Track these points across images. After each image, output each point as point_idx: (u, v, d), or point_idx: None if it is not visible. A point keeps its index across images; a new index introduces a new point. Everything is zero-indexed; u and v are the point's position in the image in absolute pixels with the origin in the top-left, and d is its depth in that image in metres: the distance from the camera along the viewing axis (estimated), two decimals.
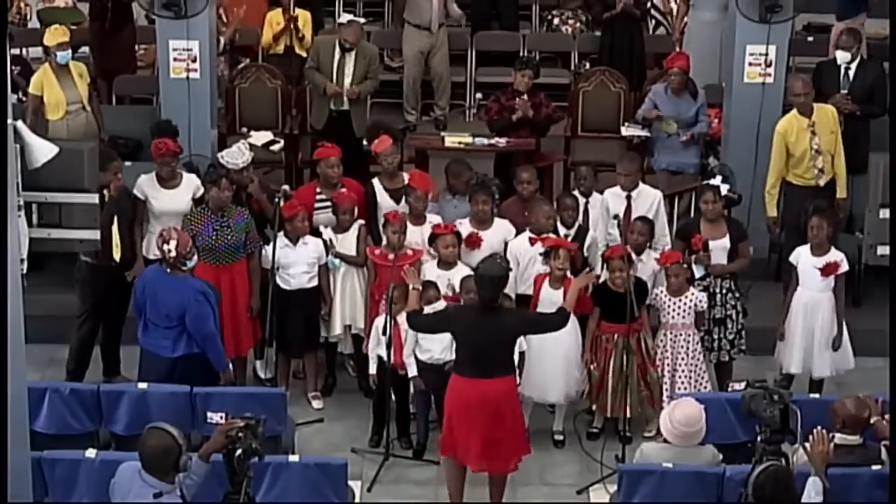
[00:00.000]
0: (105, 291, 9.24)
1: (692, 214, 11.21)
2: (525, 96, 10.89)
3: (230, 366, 8.57)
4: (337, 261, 9.29)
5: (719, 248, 9.11)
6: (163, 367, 8.26)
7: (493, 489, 8.18)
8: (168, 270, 8.31)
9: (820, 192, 9.92)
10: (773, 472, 6.40)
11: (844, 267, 8.99)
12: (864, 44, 11.12)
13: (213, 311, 8.32)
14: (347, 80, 11.10)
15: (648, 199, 9.71)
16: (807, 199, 9.74)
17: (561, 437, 9.06)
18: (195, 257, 8.44)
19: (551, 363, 8.77)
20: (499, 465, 8.04)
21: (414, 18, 12.70)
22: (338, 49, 11.10)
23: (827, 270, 8.95)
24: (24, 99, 10.86)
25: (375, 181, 9.84)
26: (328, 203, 9.57)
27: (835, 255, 8.99)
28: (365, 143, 10.44)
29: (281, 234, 9.15)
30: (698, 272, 9.07)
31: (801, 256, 9.07)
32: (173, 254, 8.21)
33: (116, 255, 8.59)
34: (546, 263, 8.85)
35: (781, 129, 10.01)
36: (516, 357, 8.55)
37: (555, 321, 8.11)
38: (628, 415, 8.76)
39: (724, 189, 9.20)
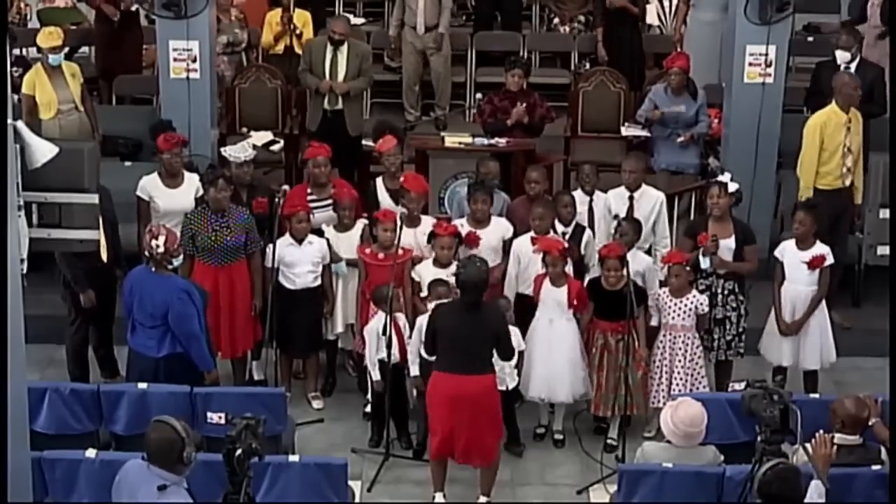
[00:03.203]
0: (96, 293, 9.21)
1: (692, 214, 11.22)
2: (522, 105, 10.89)
3: (216, 366, 8.52)
4: (345, 268, 9.29)
5: (724, 248, 9.08)
6: (148, 367, 8.24)
7: (483, 476, 8.24)
8: (153, 269, 8.29)
9: (841, 195, 9.93)
10: (781, 470, 6.41)
11: (830, 260, 9.03)
12: None
13: (197, 311, 8.27)
14: (340, 77, 11.13)
15: (651, 201, 9.70)
16: (829, 201, 9.76)
17: (560, 437, 9.06)
18: (181, 256, 8.46)
19: (558, 363, 8.79)
20: (480, 459, 8.15)
21: (407, 20, 12.75)
22: (329, 47, 11.12)
23: (814, 263, 8.99)
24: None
25: (378, 181, 9.86)
26: (320, 203, 9.58)
27: (820, 248, 9.04)
28: (371, 142, 10.48)
29: (287, 233, 9.16)
30: (705, 263, 9.04)
31: (787, 251, 9.12)
32: (161, 249, 8.18)
33: (104, 256, 8.57)
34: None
35: (819, 121, 9.91)
36: (514, 358, 8.59)
37: (509, 351, 8.23)
38: (599, 413, 8.86)
39: (734, 187, 9.16)
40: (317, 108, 11.28)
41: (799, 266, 9.04)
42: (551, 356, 8.80)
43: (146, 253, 8.29)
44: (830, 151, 9.93)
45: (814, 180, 9.97)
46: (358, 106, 11.44)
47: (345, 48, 11.14)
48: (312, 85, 11.20)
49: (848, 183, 9.97)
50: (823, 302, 9.15)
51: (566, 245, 8.96)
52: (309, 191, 9.68)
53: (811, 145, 9.93)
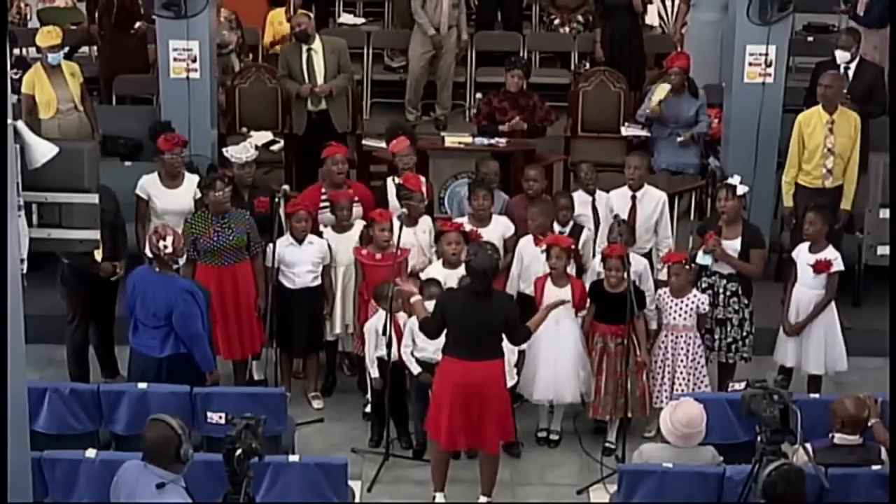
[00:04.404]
0: (90, 293, 9.20)
1: (692, 215, 11.22)
2: (518, 118, 10.90)
3: (217, 366, 8.52)
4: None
5: (729, 249, 9.05)
6: (150, 367, 8.24)
7: (484, 476, 8.23)
8: (157, 270, 8.29)
9: (826, 195, 9.91)
10: (786, 471, 6.42)
11: (837, 266, 9.00)
12: None
13: (200, 312, 8.27)
14: (320, 78, 11.12)
15: (653, 201, 9.70)
16: (813, 199, 9.75)
17: (556, 438, 9.05)
18: (185, 256, 8.45)
19: (565, 363, 8.79)
20: (480, 443, 8.12)
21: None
22: (304, 49, 11.12)
23: (818, 267, 8.98)
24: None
25: (390, 180, 9.87)
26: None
27: (829, 253, 9.02)
28: (373, 143, 10.47)
29: (287, 233, 9.16)
30: (706, 260, 9.04)
31: (801, 252, 9.12)
32: (169, 250, 8.18)
33: (98, 257, 8.58)
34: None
35: (801, 118, 10.01)
36: (515, 356, 8.59)
37: (522, 335, 8.15)
38: (598, 416, 8.83)
39: (742, 189, 9.14)
40: (300, 111, 11.28)
41: (807, 268, 9.03)
42: (557, 357, 8.78)
43: (151, 253, 8.28)
44: (810, 150, 9.96)
45: (795, 175, 10.02)
46: (343, 102, 11.39)
47: (319, 47, 11.14)
48: (293, 90, 11.23)
49: (829, 184, 9.97)
50: (833, 308, 9.10)
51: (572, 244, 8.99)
52: (323, 190, 9.68)
53: (793, 141, 10.03)
